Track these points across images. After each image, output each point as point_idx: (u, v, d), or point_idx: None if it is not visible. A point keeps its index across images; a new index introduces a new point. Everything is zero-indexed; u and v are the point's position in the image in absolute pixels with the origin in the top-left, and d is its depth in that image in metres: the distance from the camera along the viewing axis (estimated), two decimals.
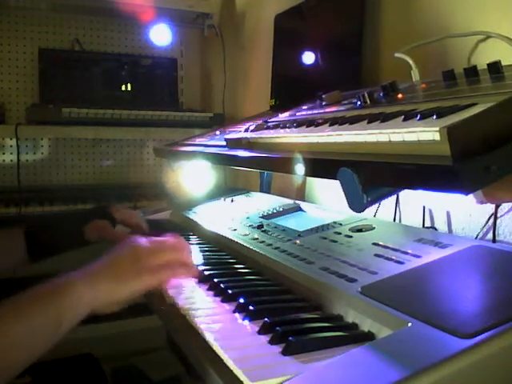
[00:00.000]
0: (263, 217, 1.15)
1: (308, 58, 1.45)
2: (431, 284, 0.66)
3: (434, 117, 0.55)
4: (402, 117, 0.61)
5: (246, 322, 0.67)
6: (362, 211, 0.60)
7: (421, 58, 1.04)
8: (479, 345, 0.48)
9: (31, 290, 0.70)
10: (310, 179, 1.59)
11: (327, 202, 1.47)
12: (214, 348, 0.60)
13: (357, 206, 0.60)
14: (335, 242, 0.88)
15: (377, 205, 1.21)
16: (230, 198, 1.42)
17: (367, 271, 0.72)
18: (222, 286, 0.79)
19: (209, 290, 0.82)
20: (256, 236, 1.01)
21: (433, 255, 0.72)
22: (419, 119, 0.58)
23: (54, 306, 0.70)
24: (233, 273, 0.90)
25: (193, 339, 0.66)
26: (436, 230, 1.08)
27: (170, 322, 0.78)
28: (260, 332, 0.63)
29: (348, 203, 0.61)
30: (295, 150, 0.75)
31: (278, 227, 1.04)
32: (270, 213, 1.17)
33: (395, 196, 1.18)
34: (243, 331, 0.65)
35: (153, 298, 0.84)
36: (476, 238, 0.99)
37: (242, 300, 0.72)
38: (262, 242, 0.97)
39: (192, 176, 1.68)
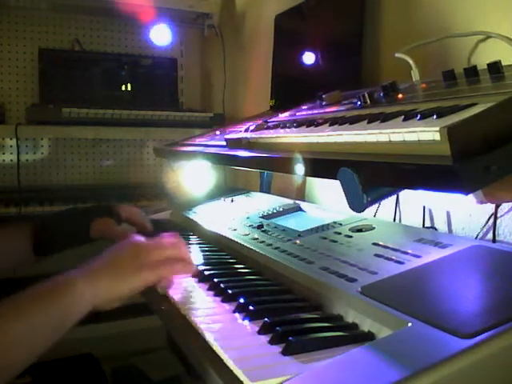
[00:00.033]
0: (263, 217, 1.15)
1: (308, 58, 1.45)
2: (431, 284, 0.66)
3: (434, 117, 0.55)
4: (402, 117, 0.61)
5: (246, 322, 0.67)
6: (362, 211, 0.60)
7: (421, 57, 1.04)
8: (479, 345, 0.48)
9: (31, 289, 0.70)
10: (309, 179, 1.59)
11: (327, 201, 1.47)
12: (214, 348, 0.60)
13: (357, 206, 0.60)
14: (335, 242, 0.88)
15: (377, 205, 1.21)
16: (230, 198, 1.42)
17: (367, 271, 0.72)
18: (222, 285, 0.79)
19: (209, 289, 0.82)
20: (256, 236, 1.01)
21: (433, 255, 0.72)
22: (419, 119, 0.58)
23: (54, 304, 0.70)
24: (233, 273, 0.90)
25: (193, 339, 0.66)
26: (436, 229, 1.08)
27: (169, 322, 0.78)
28: (260, 332, 0.62)
29: (348, 203, 0.61)
30: (295, 149, 0.75)
31: (278, 227, 1.04)
32: (270, 213, 1.17)
33: (395, 196, 1.18)
34: (243, 331, 0.65)
35: (153, 297, 0.84)
36: (476, 238, 0.99)
37: (242, 300, 0.72)
38: (262, 241, 0.97)
39: (192, 176, 1.68)
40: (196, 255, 1.00)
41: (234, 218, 1.20)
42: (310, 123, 0.81)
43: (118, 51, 2.40)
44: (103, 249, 0.81)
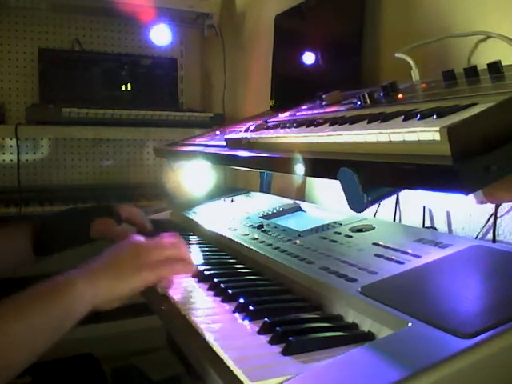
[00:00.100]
0: (263, 217, 1.15)
1: (308, 58, 1.45)
2: (431, 284, 0.66)
3: (434, 117, 0.55)
4: (402, 117, 0.61)
5: (246, 322, 0.67)
6: (362, 211, 0.60)
7: (421, 58, 1.04)
8: (479, 345, 0.48)
9: (31, 289, 0.70)
10: (309, 179, 1.59)
11: (327, 201, 1.47)
12: (214, 348, 0.60)
13: (357, 206, 0.60)
14: (335, 242, 0.88)
15: (377, 205, 1.21)
16: (230, 198, 1.42)
17: (367, 271, 0.72)
18: (222, 285, 0.79)
19: (209, 289, 0.82)
20: (256, 236, 1.01)
21: (433, 255, 0.72)
22: (419, 119, 0.58)
23: (54, 304, 0.70)
24: (233, 273, 0.90)
25: (193, 339, 0.66)
26: (436, 229, 1.08)
27: (169, 322, 0.78)
28: (260, 332, 0.62)
29: (348, 203, 0.61)
30: (295, 149, 0.75)
31: (277, 227, 1.04)
32: (270, 213, 1.17)
33: (395, 196, 1.18)
34: (243, 331, 0.65)
35: (153, 297, 0.84)
36: (476, 238, 0.99)
37: (242, 300, 0.72)
38: (262, 241, 0.97)
39: (192, 176, 1.68)
40: (196, 255, 1.00)
41: (233, 218, 1.20)
42: (310, 123, 0.81)
43: (118, 51, 2.40)
44: (103, 249, 0.81)
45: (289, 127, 0.87)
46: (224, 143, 1.06)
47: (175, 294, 0.80)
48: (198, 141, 1.48)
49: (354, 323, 0.64)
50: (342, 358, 0.51)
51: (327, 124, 0.75)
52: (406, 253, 0.75)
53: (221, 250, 1.05)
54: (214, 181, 1.68)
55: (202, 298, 0.79)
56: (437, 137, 0.50)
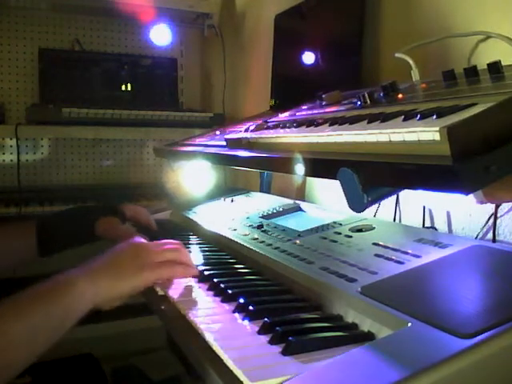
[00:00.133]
0: (263, 217, 1.15)
1: (308, 58, 1.45)
2: (431, 284, 0.66)
3: (434, 117, 0.55)
4: (402, 117, 0.61)
5: (246, 322, 0.67)
6: (362, 211, 0.60)
7: (421, 58, 1.04)
8: (479, 345, 0.48)
9: (31, 289, 0.70)
10: (309, 179, 1.59)
11: (327, 201, 1.47)
12: (214, 348, 0.60)
13: (357, 206, 0.60)
14: (335, 242, 0.88)
15: (377, 205, 1.21)
16: (230, 198, 1.42)
17: (367, 271, 0.72)
18: (221, 285, 0.79)
19: (209, 289, 0.82)
20: (256, 236, 1.01)
21: (433, 255, 0.72)
22: (419, 119, 0.58)
23: (55, 304, 0.70)
24: (233, 273, 0.90)
25: (193, 339, 0.66)
26: (436, 229, 1.08)
27: (169, 322, 0.78)
28: (260, 332, 0.62)
29: (348, 203, 0.61)
30: (295, 150, 0.75)
31: (277, 227, 1.04)
32: (270, 213, 1.17)
33: (395, 196, 1.18)
34: (243, 331, 0.65)
35: (153, 297, 0.84)
36: (476, 238, 0.99)
37: (241, 300, 0.72)
38: (262, 242, 0.97)
39: (192, 176, 1.68)
40: (196, 255, 1.00)
41: (233, 218, 1.20)
42: (310, 123, 0.81)
43: (118, 51, 2.40)
44: (104, 249, 0.82)
45: (289, 127, 0.87)
46: (224, 143, 1.06)
47: (175, 294, 0.80)
48: (198, 141, 1.48)
49: (354, 323, 0.64)
50: (341, 358, 0.51)
51: (327, 124, 0.75)
52: (406, 253, 0.75)
53: (221, 250, 1.05)
54: (213, 181, 1.68)
55: (201, 298, 0.79)
56: (437, 137, 0.50)
